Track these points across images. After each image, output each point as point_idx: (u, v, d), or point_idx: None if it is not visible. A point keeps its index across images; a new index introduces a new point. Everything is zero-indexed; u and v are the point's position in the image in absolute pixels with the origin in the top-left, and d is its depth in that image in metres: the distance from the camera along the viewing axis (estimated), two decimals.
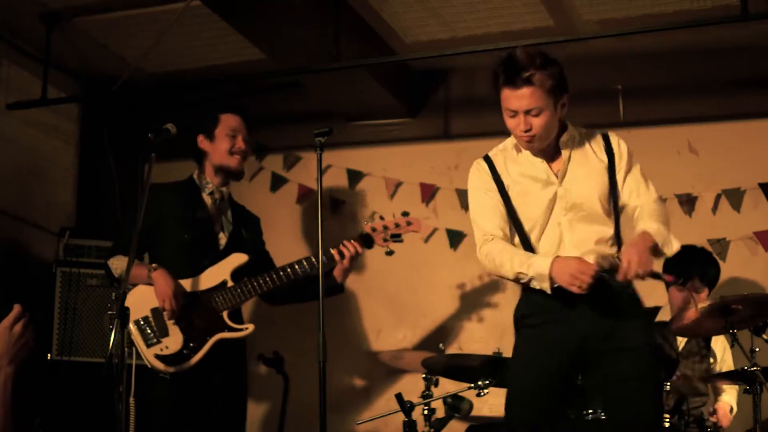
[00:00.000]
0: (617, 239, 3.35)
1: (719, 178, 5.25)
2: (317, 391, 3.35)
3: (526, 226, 3.36)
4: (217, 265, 4.19)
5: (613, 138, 3.44)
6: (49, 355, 4.93)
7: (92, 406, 4.45)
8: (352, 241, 4.21)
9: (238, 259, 4.22)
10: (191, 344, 4.07)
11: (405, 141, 5.77)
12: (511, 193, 3.38)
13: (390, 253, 4.25)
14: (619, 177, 3.38)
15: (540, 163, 3.38)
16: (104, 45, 5.50)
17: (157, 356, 4.03)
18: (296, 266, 4.16)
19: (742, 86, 5.24)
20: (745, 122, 5.28)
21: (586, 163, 3.39)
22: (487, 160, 3.46)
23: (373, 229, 4.27)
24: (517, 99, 3.23)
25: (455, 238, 5.49)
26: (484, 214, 3.40)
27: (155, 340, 4.04)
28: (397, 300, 5.61)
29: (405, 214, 4.32)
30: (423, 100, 5.78)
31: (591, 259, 3.22)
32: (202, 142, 4.34)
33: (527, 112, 3.24)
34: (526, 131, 3.26)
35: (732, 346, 4.07)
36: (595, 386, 3.46)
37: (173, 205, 4.25)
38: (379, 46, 5.29)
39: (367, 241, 4.26)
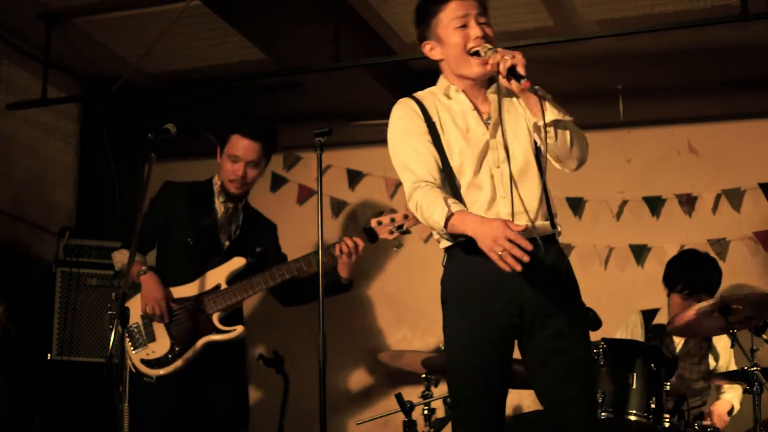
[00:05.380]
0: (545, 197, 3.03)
1: (719, 178, 5.25)
2: (317, 391, 3.35)
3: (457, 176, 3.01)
4: (216, 270, 4.19)
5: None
6: (49, 355, 4.92)
7: (92, 406, 4.46)
8: (353, 237, 4.14)
9: (236, 263, 4.20)
10: (176, 348, 4.08)
11: None
12: (443, 139, 3.02)
13: (399, 246, 4.23)
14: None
15: (470, 108, 3.04)
16: (104, 45, 5.50)
17: (143, 360, 4.06)
18: (293, 265, 4.13)
19: (742, 86, 5.24)
20: (745, 122, 5.28)
21: (514, 110, 3.04)
22: (416, 100, 3.10)
23: (379, 223, 4.17)
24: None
25: None
26: (416, 159, 2.99)
27: (143, 345, 4.07)
28: (397, 300, 5.60)
29: None
30: None
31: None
32: (217, 153, 4.30)
33: (481, 14, 3.01)
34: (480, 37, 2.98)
35: (732, 346, 4.06)
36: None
37: (183, 207, 4.26)
38: (379, 46, 5.28)
39: (370, 235, 4.16)
